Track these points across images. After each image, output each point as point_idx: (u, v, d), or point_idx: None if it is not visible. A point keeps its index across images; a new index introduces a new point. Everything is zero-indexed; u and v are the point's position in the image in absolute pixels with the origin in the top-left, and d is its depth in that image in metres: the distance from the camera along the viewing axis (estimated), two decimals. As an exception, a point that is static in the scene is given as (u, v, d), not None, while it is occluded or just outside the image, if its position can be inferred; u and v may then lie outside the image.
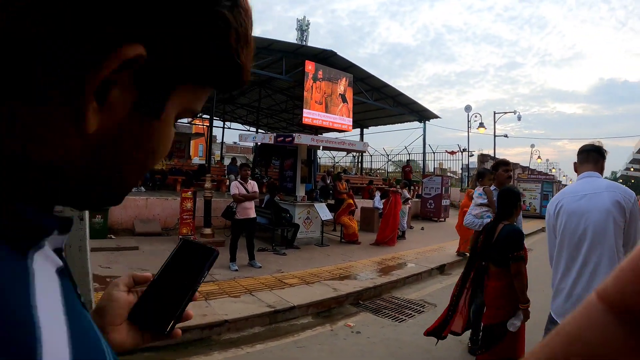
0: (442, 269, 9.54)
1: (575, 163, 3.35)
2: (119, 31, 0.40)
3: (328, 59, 17.54)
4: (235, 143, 49.17)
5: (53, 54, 0.38)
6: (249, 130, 29.09)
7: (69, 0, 0.38)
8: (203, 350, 4.94)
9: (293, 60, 16.81)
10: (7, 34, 0.37)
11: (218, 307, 5.89)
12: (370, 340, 5.42)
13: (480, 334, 4.28)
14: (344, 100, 17.93)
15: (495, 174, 5.45)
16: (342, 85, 17.83)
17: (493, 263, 4.05)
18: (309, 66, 16.36)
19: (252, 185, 8.58)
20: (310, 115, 16.44)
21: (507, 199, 4.15)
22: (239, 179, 8.67)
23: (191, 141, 32.83)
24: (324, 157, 34.30)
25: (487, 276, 4.11)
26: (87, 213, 2.94)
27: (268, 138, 11.72)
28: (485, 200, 5.44)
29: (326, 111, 17.07)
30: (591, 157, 3.23)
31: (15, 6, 0.37)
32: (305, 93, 16.26)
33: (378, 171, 32.20)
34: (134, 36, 0.41)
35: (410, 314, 6.54)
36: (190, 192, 10.81)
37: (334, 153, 31.94)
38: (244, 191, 8.37)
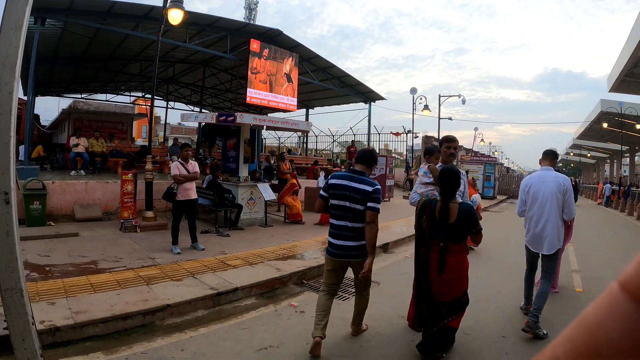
0: (385, 248, 9.68)
1: (540, 159, 5.75)
2: None
3: (274, 38, 17.42)
4: (179, 124, 48.27)
5: None
6: (192, 111, 28.54)
7: None
8: (146, 336, 4.82)
9: (238, 38, 16.62)
10: None
11: (160, 292, 5.76)
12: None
13: (442, 309, 4.33)
14: (289, 80, 17.82)
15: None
16: (288, 65, 17.71)
17: (452, 242, 4.23)
18: (254, 45, 16.16)
19: (193, 166, 8.40)
20: (255, 94, 16.28)
21: (447, 179, 4.27)
22: (179, 160, 8.46)
23: (134, 122, 32.02)
24: (270, 138, 34.16)
25: (446, 254, 4.23)
26: (13, 196, 2.78)
27: (210, 117, 11.48)
28: (431, 179, 5.30)
29: (271, 91, 16.94)
30: (549, 157, 5.66)
31: None
32: (249, 72, 16.08)
33: (323, 152, 32.33)
34: None
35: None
36: (130, 175, 10.50)
37: (280, 133, 31.85)
38: (184, 172, 8.19)
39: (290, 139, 34.05)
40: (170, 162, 16.25)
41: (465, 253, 4.41)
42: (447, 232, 4.21)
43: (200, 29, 15.71)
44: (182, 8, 10.13)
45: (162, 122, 33.41)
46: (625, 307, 0.36)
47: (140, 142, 32.79)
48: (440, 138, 26.40)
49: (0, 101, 2.74)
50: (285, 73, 17.61)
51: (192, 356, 4.31)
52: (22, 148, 17.66)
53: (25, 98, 27.39)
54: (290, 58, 17.86)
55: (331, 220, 4.72)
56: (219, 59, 19.24)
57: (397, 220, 12.28)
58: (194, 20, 14.61)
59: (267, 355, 4.40)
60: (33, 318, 2.88)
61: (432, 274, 4.28)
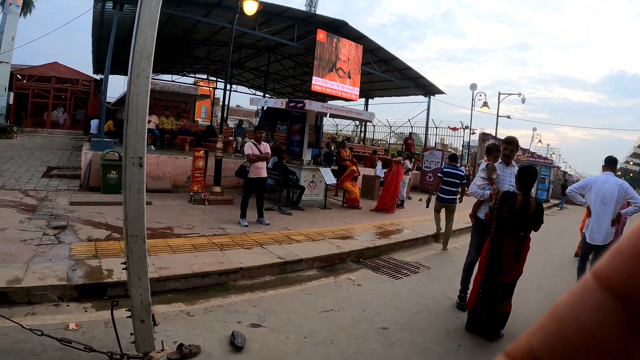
0: (436, 237, 10.12)
1: (602, 165, 6.46)
2: None
3: (340, 29, 17.89)
4: (238, 106, 49.38)
5: None
6: (254, 94, 29.44)
7: None
8: (221, 293, 5.52)
9: (305, 27, 17.15)
10: None
11: (233, 257, 6.49)
12: (370, 291, 6.03)
13: (497, 291, 4.90)
14: (353, 70, 18.28)
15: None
16: (352, 55, 18.15)
17: (528, 231, 4.97)
18: (321, 35, 16.68)
19: (265, 147, 9.13)
20: (320, 82, 16.83)
21: (526, 176, 4.91)
22: (252, 141, 9.20)
23: (196, 103, 33.11)
24: (327, 125, 34.61)
25: (523, 241, 4.93)
26: (145, 160, 3.43)
27: (279, 103, 12.18)
28: (485, 176, 5.96)
29: (334, 80, 17.45)
30: (611, 164, 6.44)
31: None
32: (315, 61, 16.60)
33: (380, 142, 32.59)
34: None
35: (406, 273, 7.16)
36: (202, 152, 11.27)
37: (338, 121, 32.28)
38: (257, 152, 8.91)
39: (347, 127, 34.44)
40: (235, 142, 17.15)
41: (530, 241, 5.04)
42: (525, 222, 4.85)
43: (269, 18, 16.33)
44: (257, 0, 10.82)
45: (221, 103, 34.49)
46: (597, 297, 0.37)
47: (200, 121, 34.01)
48: (496, 136, 26.10)
49: (140, 84, 3.38)
50: (349, 63, 18.07)
51: (263, 312, 4.96)
52: (93, 122, 18.92)
53: (94, 76, 29.03)
54: (355, 48, 18.30)
55: (442, 187, 9.29)
56: (284, 46, 19.84)
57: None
58: (264, 9, 15.25)
59: (329, 316, 5.02)
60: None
61: (506, 257, 4.85)
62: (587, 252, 6.63)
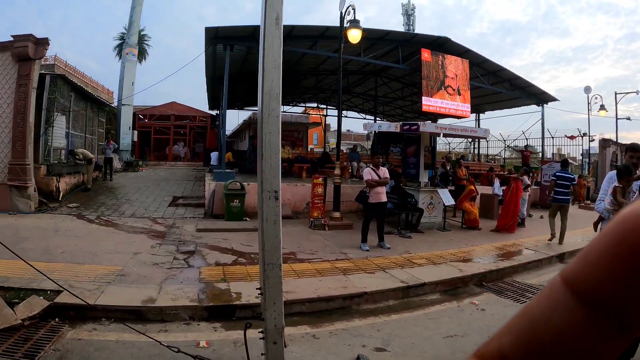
0: (561, 258, 9.74)
1: None
2: None
3: (443, 46, 17.87)
4: (348, 131, 50.25)
5: None
6: (365, 118, 29.94)
7: None
8: (344, 317, 5.80)
9: (408, 48, 17.33)
10: None
11: (356, 281, 6.78)
12: (494, 316, 6.02)
13: None
14: (461, 85, 18.11)
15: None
16: (459, 71, 18.01)
17: None
18: (425, 54, 16.78)
19: (384, 172, 9.43)
20: (430, 102, 16.84)
21: None
22: (371, 166, 9.51)
23: (308, 130, 34.17)
24: (439, 144, 34.09)
25: None
26: (280, 194, 3.77)
27: (393, 127, 12.42)
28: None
29: (443, 98, 17.39)
30: None
31: None
32: (423, 81, 16.68)
33: (495, 157, 31.61)
34: None
35: (531, 297, 6.97)
36: (321, 179, 11.73)
37: (450, 139, 31.81)
38: (376, 177, 9.22)
39: (459, 145, 33.79)
40: (351, 167, 17.58)
41: None
42: None
43: (372, 43, 16.62)
44: (359, 27, 11.23)
45: (332, 129, 35.27)
46: (565, 301, 0.38)
47: (313, 148, 35.04)
48: (617, 140, 24.13)
49: (271, 123, 3.71)
50: (457, 79, 17.93)
51: (387, 336, 5.15)
52: (213, 155, 20.28)
53: (210, 112, 31.14)
54: (461, 64, 18.16)
55: (556, 189, 10.66)
56: (390, 69, 20.06)
57: (573, 230, 12.10)
58: (366, 35, 15.64)
59: (453, 342, 5.11)
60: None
61: None
62: None
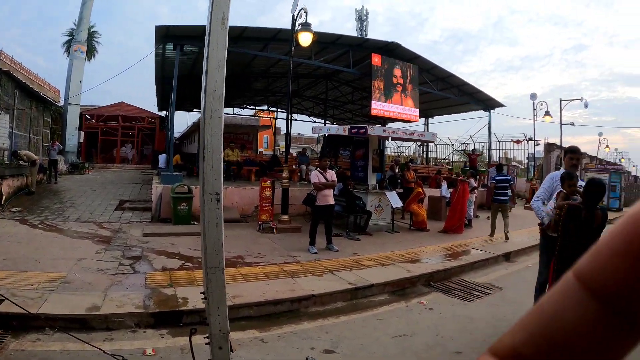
0: (507, 257, 9.97)
1: None
2: None
3: (393, 51, 18.09)
4: (299, 134, 50.38)
5: None
6: (315, 122, 29.95)
7: None
8: (293, 320, 5.71)
9: (359, 53, 17.47)
10: None
11: (304, 284, 6.69)
12: (442, 315, 6.05)
13: None
14: (411, 91, 18.36)
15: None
16: (408, 77, 18.25)
17: (595, 242, 4.96)
18: (376, 59, 16.94)
19: (331, 175, 9.38)
20: (379, 106, 17.01)
21: (596, 189, 4.77)
22: (318, 169, 9.45)
23: (258, 133, 34.02)
24: (388, 147, 34.64)
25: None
26: (222, 195, 3.66)
27: (342, 130, 12.40)
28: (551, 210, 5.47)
29: (393, 102, 17.58)
30: None
31: None
32: (372, 85, 16.82)
33: (443, 160, 32.25)
34: None
35: (478, 295, 7.10)
36: (269, 182, 11.61)
37: (399, 143, 32.27)
38: (323, 180, 9.16)
39: (409, 148, 34.32)
40: (300, 170, 17.51)
41: None
42: (592, 234, 4.74)
43: (323, 47, 16.64)
44: (311, 31, 11.19)
45: (282, 132, 35.24)
46: (578, 297, 0.38)
47: (262, 151, 34.87)
48: (561, 145, 25.17)
49: (213, 124, 3.60)
50: (406, 84, 18.17)
51: (336, 338, 5.09)
52: (161, 157, 19.85)
53: (159, 113, 30.57)
54: (410, 69, 18.42)
55: (496, 190, 11.73)
56: (340, 73, 20.12)
57: (518, 230, 12.44)
58: (317, 39, 15.66)
59: (402, 341, 5.09)
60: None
61: None
62: None
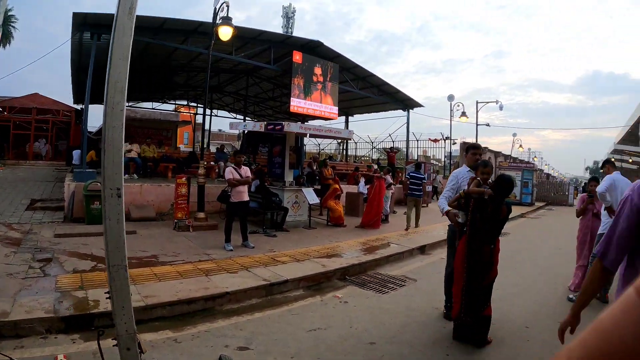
0: (422, 249, 10.22)
1: (608, 166, 6.87)
2: None
3: (315, 49, 18.08)
4: (220, 130, 49.57)
5: None
6: (235, 118, 29.53)
7: None
8: (207, 319, 5.51)
9: (281, 49, 17.32)
10: None
11: (218, 282, 6.49)
12: (357, 308, 6.07)
13: (474, 295, 4.96)
14: (331, 89, 18.47)
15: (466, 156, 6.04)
16: (329, 75, 18.35)
17: (499, 234, 5.14)
18: (297, 56, 16.88)
19: (246, 171, 9.19)
20: (298, 103, 16.98)
21: (505, 184, 4.97)
22: (232, 165, 9.25)
23: (177, 129, 33.22)
24: (309, 144, 34.88)
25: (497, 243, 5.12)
26: (123, 191, 3.47)
27: (259, 126, 12.24)
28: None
29: (313, 100, 17.62)
30: (614, 165, 6.78)
31: None
32: (292, 82, 16.77)
33: (363, 158, 32.78)
34: None
35: (393, 287, 7.20)
36: (185, 178, 11.26)
37: (320, 140, 32.50)
38: (238, 176, 8.97)
39: (330, 146, 34.61)
40: (218, 167, 17.17)
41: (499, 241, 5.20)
42: (498, 226, 5.00)
43: (245, 42, 16.44)
44: (231, 25, 10.95)
45: (205, 128, 34.56)
46: None
47: (182, 147, 34.02)
48: (470, 143, 26.43)
49: (114, 117, 3.43)
50: (326, 83, 18.28)
51: (250, 334, 4.97)
52: (75, 153, 18.85)
53: (75, 106, 29.02)
54: (331, 68, 18.55)
55: (410, 186, 12.94)
56: (262, 69, 19.96)
57: (434, 224, 12.85)
58: (240, 34, 15.41)
59: (316, 335, 5.04)
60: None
61: (485, 259, 4.95)
62: None
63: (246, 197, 9.15)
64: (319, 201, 12.44)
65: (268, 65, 17.32)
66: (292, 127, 11.14)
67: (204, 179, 11.22)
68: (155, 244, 8.88)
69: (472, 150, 5.96)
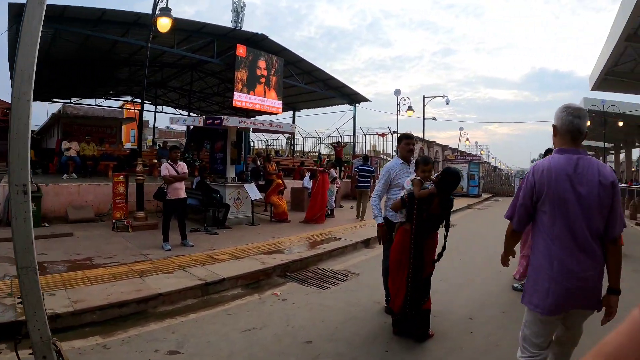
0: (367, 243, 10.14)
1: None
2: None
3: (259, 43, 17.83)
4: (167, 127, 48.58)
5: None
6: (181, 114, 28.89)
7: None
8: (140, 322, 5.23)
9: (225, 43, 16.99)
10: None
11: (152, 283, 6.18)
12: (295, 305, 5.88)
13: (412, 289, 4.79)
14: (275, 83, 18.24)
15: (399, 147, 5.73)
16: (273, 69, 18.13)
17: (437, 228, 4.94)
18: (240, 49, 16.57)
19: (182, 167, 8.86)
20: (241, 98, 16.70)
21: (452, 179, 4.74)
22: (169, 161, 8.91)
23: (123, 126, 32.29)
24: (257, 140, 34.60)
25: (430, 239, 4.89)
26: (30, 187, 3.20)
27: (198, 121, 11.88)
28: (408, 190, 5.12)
29: (256, 94, 17.36)
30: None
31: None
32: (236, 76, 16.47)
33: (311, 153, 32.70)
34: None
35: (334, 282, 7.06)
36: (122, 176, 10.83)
37: (267, 136, 32.24)
38: (174, 172, 8.63)
39: (278, 141, 34.38)
40: (160, 164, 16.69)
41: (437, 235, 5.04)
42: (437, 219, 4.82)
43: (187, 35, 16.05)
44: (170, 16, 10.56)
45: (151, 126, 33.73)
46: None
47: (129, 145, 33.05)
48: (424, 138, 26.70)
49: (20, 108, 3.17)
50: (270, 77, 18.03)
51: (182, 337, 4.73)
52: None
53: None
54: (276, 62, 18.32)
55: (359, 178, 13.92)
56: (206, 63, 19.57)
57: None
58: (181, 26, 15.00)
59: (250, 335, 4.83)
60: (42, 294, 3.32)
61: (427, 253, 4.82)
62: None
63: (183, 194, 8.82)
64: (261, 197, 12.20)
65: (211, 59, 16.97)
66: (231, 121, 10.84)
67: (142, 177, 10.81)
68: (91, 246, 8.49)
69: (404, 140, 5.65)
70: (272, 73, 18.12)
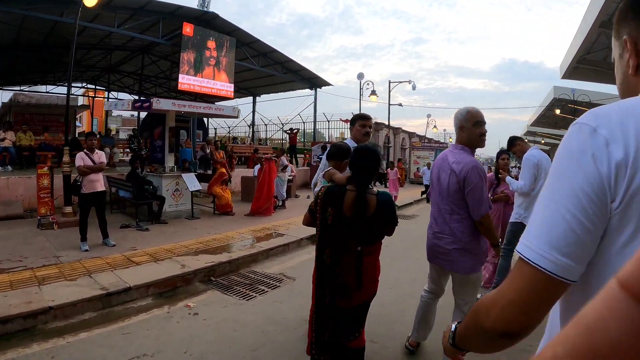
0: (314, 239, 9.27)
1: (520, 143, 6.36)
2: None
3: (210, 22, 16.88)
4: (132, 116, 47.00)
5: None
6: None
7: None
8: (24, 342, 4.37)
9: (174, 22, 15.98)
10: None
11: (48, 293, 5.24)
12: (206, 322, 4.95)
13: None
14: (226, 65, 17.24)
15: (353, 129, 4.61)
16: (224, 50, 17.11)
17: (368, 243, 3.28)
18: (187, 28, 15.56)
19: (100, 156, 7.81)
20: (187, 81, 15.70)
21: (362, 162, 3.24)
22: (85, 150, 7.87)
23: (83, 114, 30.92)
24: (220, 128, 33.59)
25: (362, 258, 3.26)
26: None
27: (127, 105, 10.77)
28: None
29: (204, 76, 16.35)
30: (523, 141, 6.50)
31: None
32: (182, 57, 15.46)
33: (273, 140, 31.85)
34: None
35: (263, 290, 6.15)
36: (46, 168, 9.78)
37: (229, 123, 31.23)
38: (89, 162, 7.61)
39: (237, 128, 33.28)
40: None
41: (379, 252, 3.43)
42: (362, 229, 3.18)
43: (131, 13, 14.96)
44: (96, -11, 9.57)
45: (114, 114, 32.39)
46: (625, 306, 0.35)
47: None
48: (389, 125, 26.08)
49: None
50: (220, 58, 17.01)
51: (59, 365, 3.86)
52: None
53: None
54: (227, 42, 17.28)
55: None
56: (157, 45, 18.49)
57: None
58: (122, 3, 13.95)
59: (138, 365, 3.97)
60: None
61: (346, 274, 3.23)
62: None
63: (101, 187, 7.77)
64: (201, 188, 11.20)
65: (158, 40, 15.89)
66: (162, 104, 9.77)
67: (69, 168, 9.76)
68: (6, 247, 7.48)
69: (359, 122, 4.48)
70: (223, 54, 17.08)
